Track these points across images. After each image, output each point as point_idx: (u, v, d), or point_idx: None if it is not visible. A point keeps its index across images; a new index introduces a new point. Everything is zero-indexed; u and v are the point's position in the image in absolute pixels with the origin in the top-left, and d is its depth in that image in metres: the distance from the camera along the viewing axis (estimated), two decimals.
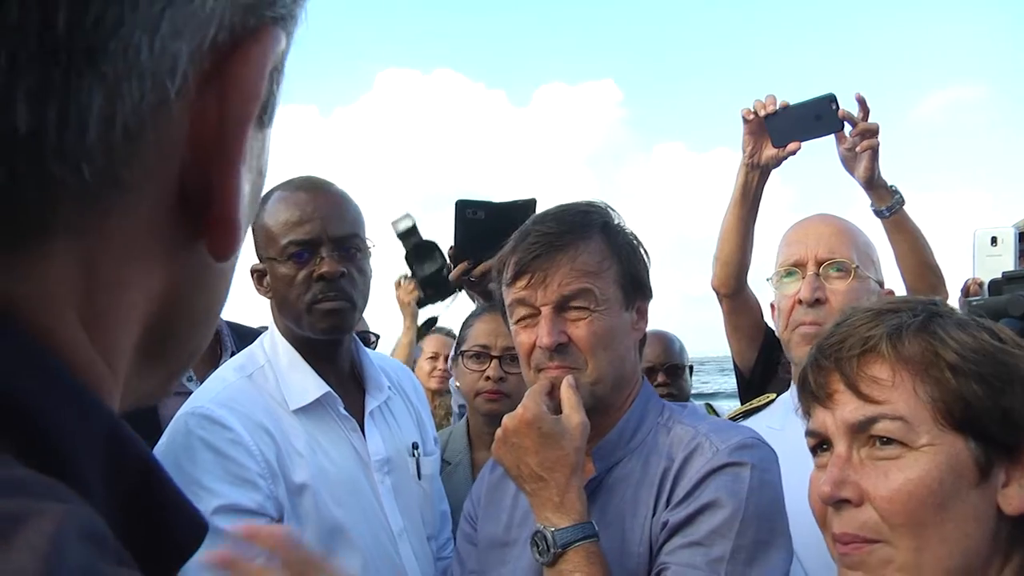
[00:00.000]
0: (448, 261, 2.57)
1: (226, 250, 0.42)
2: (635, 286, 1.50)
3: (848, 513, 0.98)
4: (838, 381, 1.01)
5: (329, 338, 1.81)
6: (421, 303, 2.81)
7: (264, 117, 0.43)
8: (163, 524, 0.41)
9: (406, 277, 2.77)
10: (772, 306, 2.02)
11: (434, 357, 3.97)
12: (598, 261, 1.45)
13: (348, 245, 1.78)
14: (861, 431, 0.98)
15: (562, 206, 1.54)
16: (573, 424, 1.35)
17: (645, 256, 1.55)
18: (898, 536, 0.94)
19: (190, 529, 0.43)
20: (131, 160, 0.37)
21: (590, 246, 1.45)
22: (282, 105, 0.45)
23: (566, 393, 1.39)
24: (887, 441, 0.96)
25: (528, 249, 1.44)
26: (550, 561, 1.31)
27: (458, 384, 2.53)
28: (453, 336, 3.89)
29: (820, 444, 1.05)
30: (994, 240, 2.13)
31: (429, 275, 2.63)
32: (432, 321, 3.40)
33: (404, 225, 2.60)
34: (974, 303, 1.56)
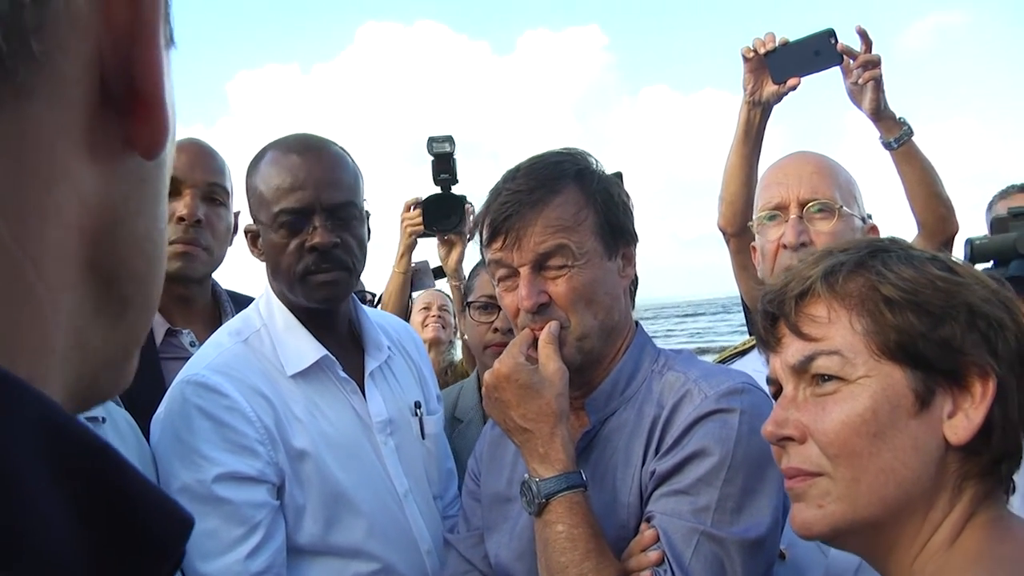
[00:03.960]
0: (465, 216, 2.55)
1: (155, 138, 0.39)
2: (616, 233, 1.45)
3: (794, 449, 1.00)
4: (783, 326, 1.04)
5: (314, 308, 1.76)
6: (423, 231, 2.71)
7: (165, 31, 0.41)
8: (135, 524, 0.36)
9: (416, 204, 2.69)
10: (753, 248, 1.98)
11: (426, 308, 3.85)
12: (573, 213, 1.41)
13: (343, 213, 1.72)
14: (803, 370, 1.00)
15: (534, 158, 1.49)
16: (550, 372, 1.35)
17: (625, 199, 1.50)
18: (836, 467, 0.96)
19: (169, 526, 0.38)
20: (41, 27, 0.34)
21: (563, 199, 1.41)
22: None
23: (542, 342, 1.38)
24: (827, 379, 0.98)
25: (500, 209, 1.41)
26: (536, 511, 1.32)
27: (466, 338, 2.48)
28: (441, 290, 3.76)
29: (778, 391, 1.07)
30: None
31: (435, 200, 2.60)
32: (439, 271, 3.10)
33: (440, 149, 2.55)
34: (977, 242, 1.51)
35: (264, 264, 1.81)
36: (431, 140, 2.57)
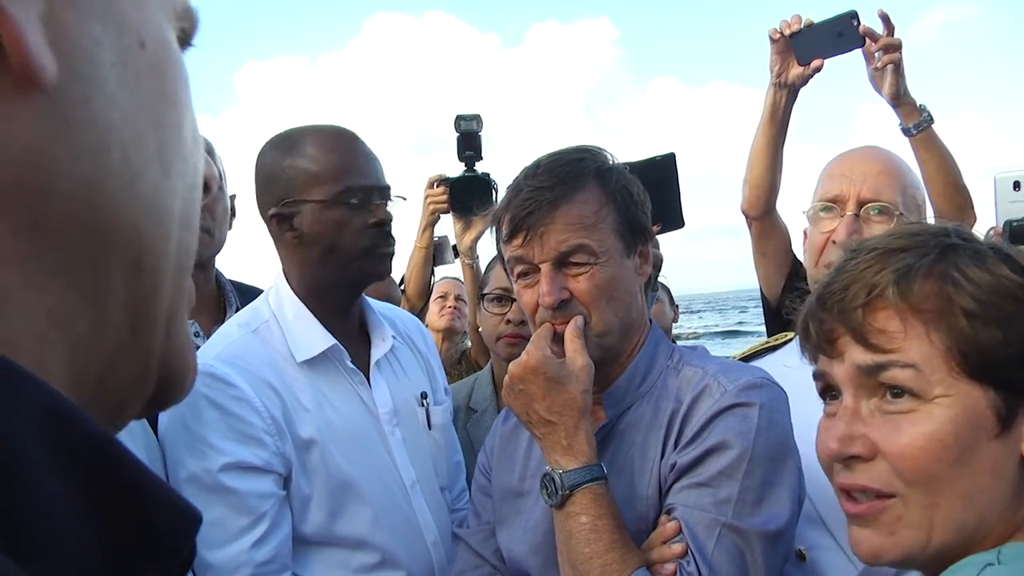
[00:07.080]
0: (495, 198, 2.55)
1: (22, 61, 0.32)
2: (635, 231, 1.46)
3: (860, 466, 0.92)
4: (843, 331, 0.95)
5: (366, 283, 1.82)
6: (446, 210, 2.73)
7: None
8: (143, 518, 0.34)
9: (441, 181, 2.69)
10: (805, 233, 1.94)
11: (443, 297, 3.86)
12: (594, 211, 1.41)
13: (389, 194, 1.80)
14: (870, 377, 0.92)
15: (554, 155, 1.49)
16: (578, 366, 1.35)
17: (643, 198, 1.50)
18: (911, 491, 0.89)
19: (177, 520, 0.36)
20: None
21: (584, 196, 1.41)
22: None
23: (569, 336, 1.38)
24: (898, 393, 0.90)
25: (521, 206, 1.41)
26: (558, 503, 1.32)
27: (481, 330, 2.52)
28: (457, 278, 3.78)
29: (828, 390, 0.99)
30: (1016, 184, 2.06)
31: (462, 182, 2.62)
32: (456, 250, 3.06)
33: (468, 128, 2.58)
34: (1016, 224, 1.49)
35: (282, 250, 1.78)
36: (459, 118, 2.58)
